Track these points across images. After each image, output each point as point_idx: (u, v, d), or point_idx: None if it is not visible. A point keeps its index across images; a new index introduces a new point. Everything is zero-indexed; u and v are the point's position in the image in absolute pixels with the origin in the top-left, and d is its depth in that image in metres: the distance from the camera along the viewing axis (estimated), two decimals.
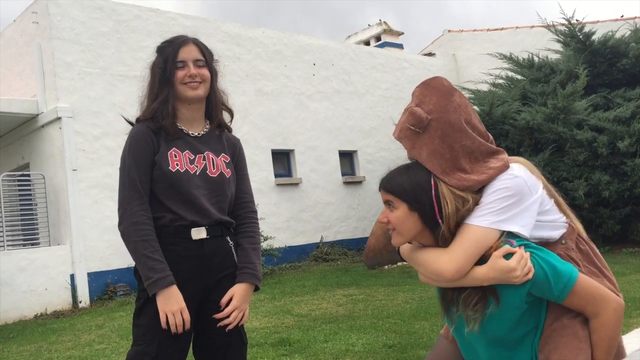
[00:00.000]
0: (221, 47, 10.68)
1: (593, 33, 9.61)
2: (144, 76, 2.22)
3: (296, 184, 11.39)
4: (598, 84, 9.37)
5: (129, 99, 9.30)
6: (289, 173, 11.59)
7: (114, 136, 9.02)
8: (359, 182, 12.60)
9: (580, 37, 9.59)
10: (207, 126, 2.24)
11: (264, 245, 9.21)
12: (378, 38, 17.09)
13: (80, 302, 8.16)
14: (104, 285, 8.52)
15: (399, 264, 8.93)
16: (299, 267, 10.10)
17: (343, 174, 12.37)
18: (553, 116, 8.74)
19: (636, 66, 9.23)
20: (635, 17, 12.13)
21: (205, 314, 2.05)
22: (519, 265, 1.65)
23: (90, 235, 8.56)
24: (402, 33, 17.65)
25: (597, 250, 1.92)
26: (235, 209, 2.19)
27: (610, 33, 9.60)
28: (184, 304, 1.96)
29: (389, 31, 17.16)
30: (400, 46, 16.86)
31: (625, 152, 8.32)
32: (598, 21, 12.76)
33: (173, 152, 2.10)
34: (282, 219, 10.94)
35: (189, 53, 2.13)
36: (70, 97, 8.70)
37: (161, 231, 2.03)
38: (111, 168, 8.90)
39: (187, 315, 1.95)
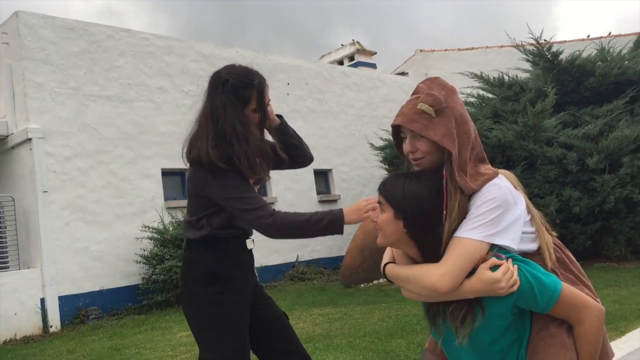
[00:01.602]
0: (195, 67, 10.68)
1: (561, 52, 9.83)
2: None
3: (271, 203, 11.34)
4: (566, 102, 9.56)
5: (102, 119, 9.22)
6: (264, 192, 11.55)
7: (86, 157, 8.91)
8: (334, 201, 12.61)
9: (549, 56, 9.80)
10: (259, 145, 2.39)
11: None
12: (351, 58, 17.26)
13: (51, 326, 7.97)
14: (75, 309, 8.34)
15: (375, 282, 8.93)
16: (275, 286, 10.03)
17: (318, 193, 12.37)
18: (524, 134, 8.88)
19: (603, 84, 9.45)
20: (601, 37, 12.47)
21: (254, 306, 2.38)
22: (505, 277, 1.66)
23: (61, 258, 8.39)
24: (375, 53, 17.85)
25: (573, 258, 1.94)
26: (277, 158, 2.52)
27: (577, 52, 9.83)
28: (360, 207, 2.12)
29: (362, 51, 17.34)
30: (373, 66, 17.05)
31: (595, 168, 8.48)
32: (565, 41, 13.07)
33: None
34: (257, 238, 10.81)
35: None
36: (41, 118, 8.59)
37: (229, 242, 2.30)
38: (83, 189, 8.78)
39: (373, 203, 2.06)
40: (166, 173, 9.99)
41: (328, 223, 2.09)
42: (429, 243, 1.79)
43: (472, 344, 1.79)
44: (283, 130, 2.49)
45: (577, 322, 1.75)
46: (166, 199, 9.84)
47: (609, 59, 9.67)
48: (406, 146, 1.83)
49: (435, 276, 1.70)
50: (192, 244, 2.35)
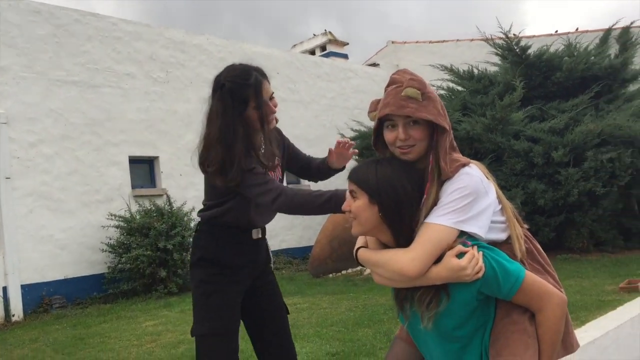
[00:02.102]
0: (164, 54, 10.53)
1: (529, 47, 9.96)
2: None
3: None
4: (534, 96, 9.71)
5: (68, 105, 9.03)
6: None
7: (51, 143, 8.73)
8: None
9: (517, 50, 9.93)
10: (262, 139, 2.41)
11: None
12: (323, 48, 17.22)
13: (13, 315, 7.80)
14: (38, 298, 8.19)
15: (344, 272, 8.97)
16: None
17: (288, 183, 12.33)
18: (492, 126, 9.00)
19: (569, 79, 9.61)
20: (568, 33, 12.66)
21: (254, 294, 2.45)
22: (470, 264, 1.68)
23: (24, 245, 8.23)
24: (347, 43, 17.84)
25: (540, 248, 1.98)
26: (310, 168, 2.76)
27: (545, 47, 9.97)
28: None
29: (334, 41, 17.32)
30: (345, 56, 17.04)
31: (560, 161, 8.63)
32: (534, 36, 13.24)
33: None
34: None
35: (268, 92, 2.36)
36: (4, 103, 8.37)
37: (233, 230, 2.38)
38: (47, 176, 8.60)
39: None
40: (134, 161, 9.86)
41: (329, 199, 2.13)
42: (404, 228, 1.80)
43: (436, 328, 1.81)
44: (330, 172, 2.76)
45: (538, 309, 1.79)
46: (134, 187, 9.71)
47: (575, 54, 9.85)
48: (399, 134, 1.82)
49: (405, 260, 1.72)
50: (200, 227, 2.47)
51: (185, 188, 10.33)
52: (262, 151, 2.38)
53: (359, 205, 1.83)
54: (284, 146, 2.60)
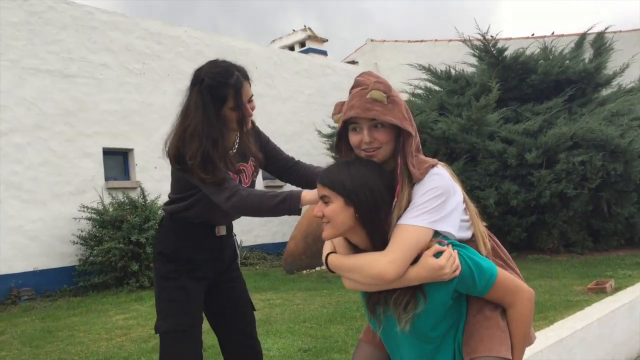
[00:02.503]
0: (141, 45, 10.41)
1: (506, 49, 10.07)
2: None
3: None
4: (509, 97, 9.82)
5: (41, 94, 8.87)
6: None
7: (23, 132, 8.57)
8: (280, 187, 12.56)
9: (494, 52, 10.03)
10: (237, 137, 2.37)
11: None
12: (302, 44, 17.18)
13: None
14: (6, 290, 8.04)
15: (318, 268, 8.98)
16: None
17: (264, 178, 12.30)
18: (467, 127, 9.08)
19: (544, 82, 9.75)
20: (544, 36, 12.85)
21: (218, 290, 2.45)
22: (448, 263, 1.70)
23: None
24: (327, 40, 17.82)
25: (500, 244, 2.03)
26: (285, 170, 2.62)
27: (521, 50, 10.09)
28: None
29: (314, 37, 17.29)
30: (324, 53, 17.02)
31: (533, 163, 8.75)
32: (511, 38, 13.40)
33: None
34: None
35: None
36: None
37: (196, 226, 2.35)
38: (18, 166, 8.45)
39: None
40: (107, 152, 9.73)
41: (283, 200, 2.09)
42: (380, 228, 1.80)
43: (413, 330, 1.82)
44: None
45: (510, 304, 1.83)
46: (107, 179, 9.58)
47: (551, 57, 9.98)
48: (364, 137, 1.82)
49: (383, 264, 1.72)
50: (163, 221, 2.46)
51: (160, 181, 10.22)
52: (233, 152, 2.36)
53: (333, 208, 1.80)
54: (261, 146, 2.55)
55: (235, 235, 2.54)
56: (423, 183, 1.79)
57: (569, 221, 8.99)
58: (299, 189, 2.19)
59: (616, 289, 5.94)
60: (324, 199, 1.83)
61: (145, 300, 7.26)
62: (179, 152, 2.22)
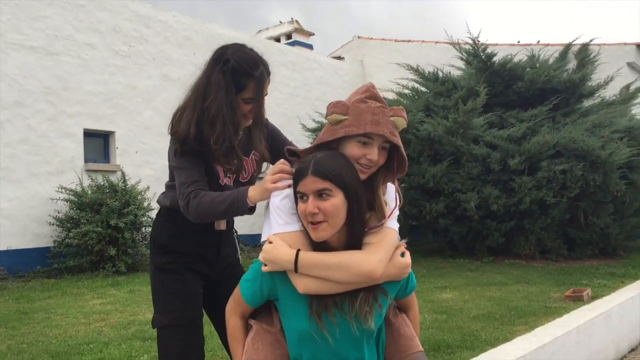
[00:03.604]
0: (128, 27, 10.24)
1: (495, 54, 10.15)
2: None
3: None
4: (495, 103, 9.90)
5: (23, 70, 8.68)
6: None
7: (2, 109, 8.37)
8: (260, 178, 12.49)
9: (483, 57, 10.10)
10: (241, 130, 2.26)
11: None
12: (289, 36, 17.08)
13: None
14: None
15: None
16: None
17: None
18: (453, 130, 9.14)
19: (529, 90, 9.86)
20: (530, 44, 12.98)
21: (220, 284, 2.31)
22: (409, 261, 1.83)
23: None
24: (313, 34, 17.76)
25: None
26: None
27: (509, 56, 10.18)
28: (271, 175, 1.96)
29: (300, 30, 17.20)
30: (310, 46, 16.96)
31: (515, 169, 8.85)
32: (497, 44, 13.50)
33: (214, 165, 2.17)
34: None
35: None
36: None
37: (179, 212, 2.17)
38: None
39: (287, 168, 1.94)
40: (89, 134, 9.56)
41: (231, 203, 2.00)
42: (361, 228, 1.78)
43: (363, 332, 1.80)
44: None
45: (412, 306, 2.04)
46: (86, 160, 9.42)
47: (537, 65, 10.09)
48: (373, 154, 1.81)
49: (373, 263, 1.73)
50: (160, 211, 2.37)
51: (140, 166, 10.10)
52: (235, 149, 2.24)
53: (335, 204, 1.70)
54: (266, 139, 2.42)
55: (235, 230, 2.44)
56: (388, 191, 1.93)
57: (547, 228, 9.12)
58: (245, 187, 2.06)
59: (592, 298, 6.04)
60: (322, 193, 1.70)
61: (122, 286, 7.17)
62: (200, 132, 2.10)
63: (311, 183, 1.70)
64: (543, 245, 9.33)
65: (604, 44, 12.57)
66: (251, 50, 2.20)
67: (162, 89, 10.73)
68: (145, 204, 8.71)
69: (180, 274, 2.22)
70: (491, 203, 8.86)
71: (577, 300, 5.94)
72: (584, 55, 10.83)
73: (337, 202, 1.70)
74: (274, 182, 1.89)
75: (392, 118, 1.81)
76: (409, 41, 15.65)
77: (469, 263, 9.04)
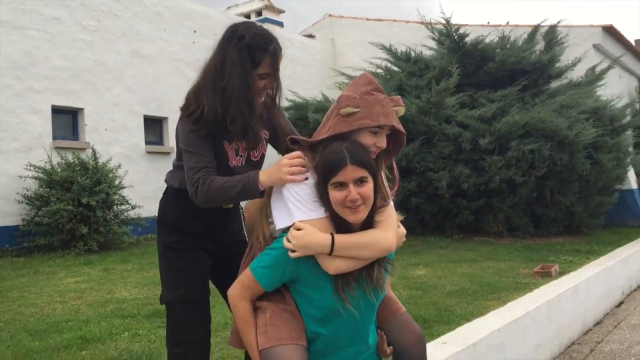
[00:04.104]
0: (97, 1, 10.03)
1: (467, 35, 10.24)
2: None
3: (167, 153, 11.00)
4: (466, 83, 10.01)
5: None
6: (160, 141, 11.18)
7: None
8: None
9: (456, 37, 10.18)
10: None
11: (132, 214, 8.84)
12: (259, 13, 16.91)
13: None
14: None
15: None
16: None
17: None
18: (426, 109, 9.23)
19: (500, 71, 9.99)
20: (500, 25, 13.10)
21: (227, 262, 2.35)
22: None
23: None
24: (283, 11, 17.62)
25: None
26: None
27: (481, 37, 10.28)
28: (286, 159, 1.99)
29: (271, 7, 17.05)
30: (280, 24, 16.81)
31: (485, 148, 9.01)
32: (468, 24, 13.60)
33: (225, 146, 2.18)
34: (150, 189, 10.50)
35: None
36: None
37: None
38: None
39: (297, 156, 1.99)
40: (57, 110, 9.37)
41: (242, 188, 2.04)
42: (375, 207, 2.00)
43: (378, 298, 1.99)
44: None
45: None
46: (55, 137, 9.24)
47: (507, 47, 10.22)
48: (382, 142, 1.99)
49: (391, 238, 1.93)
50: (167, 190, 2.37)
51: (110, 144, 9.95)
52: (253, 126, 2.25)
53: (371, 188, 1.89)
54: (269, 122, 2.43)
55: (241, 207, 2.46)
56: None
57: (515, 207, 9.33)
58: (254, 171, 2.09)
59: (560, 274, 6.25)
60: (360, 180, 1.87)
61: (95, 264, 7.11)
62: (223, 114, 2.12)
63: (351, 172, 1.85)
64: (511, 223, 9.56)
65: (572, 26, 12.76)
66: (261, 26, 2.21)
67: (131, 65, 10.55)
68: (117, 182, 8.61)
69: (188, 252, 2.25)
70: (462, 182, 9.02)
71: (546, 276, 6.13)
72: (552, 36, 11.01)
73: (371, 186, 1.89)
74: (291, 174, 1.94)
75: (395, 108, 1.99)
76: (380, 20, 15.65)
77: (439, 240, 9.22)
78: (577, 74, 11.12)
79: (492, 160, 8.96)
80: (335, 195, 1.87)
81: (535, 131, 8.98)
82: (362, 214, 1.89)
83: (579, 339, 5.40)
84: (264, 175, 2.02)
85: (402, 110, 2.01)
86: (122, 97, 10.29)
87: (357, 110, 1.92)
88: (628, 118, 11.36)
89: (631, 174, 12.27)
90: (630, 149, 11.39)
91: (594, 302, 6.05)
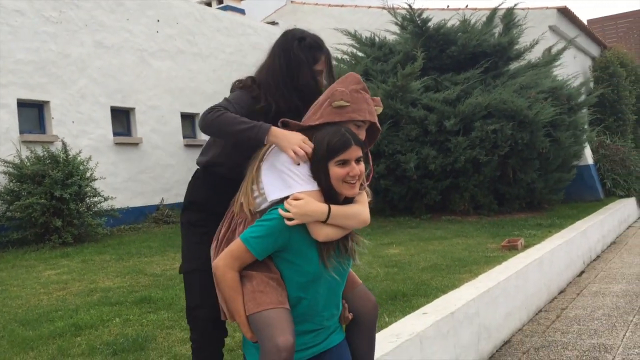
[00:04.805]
0: None
1: (430, 19, 10.48)
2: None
3: (136, 144, 10.99)
4: (430, 67, 10.27)
5: None
6: (128, 132, 11.14)
7: None
8: (200, 145, 12.43)
9: (419, 22, 10.40)
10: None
11: (105, 205, 8.85)
12: (220, 0, 16.83)
13: None
14: None
15: None
16: (139, 228, 9.86)
17: (184, 137, 12.18)
18: (392, 93, 9.46)
19: (462, 54, 10.28)
20: (459, 9, 13.40)
21: None
22: None
23: None
24: None
25: None
26: None
27: (443, 21, 10.54)
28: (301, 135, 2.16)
29: None
30: (242, 11, 16.76)
31: (451, 130, 9.30)
32: (428, 8, 13.86)
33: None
34: (120, 180, 10.53)
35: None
36: None
37: (227, 181, 2.36)
38: None
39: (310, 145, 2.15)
40: (22, 104, 9.26)
41: (251, 128, 2.16)
42: None
43: (348, 267, 2.29)
44: None
45: None
46: (22, 131, 9.13)
47: (469, 30, 10.50)
48: (363, 135, 2.27)
49: (367, 212, 2.22)
50: (196, 173, 2.56)
51: (77, 136, 9.89)
52: None
53: (363, 166, 2.16)
54: None
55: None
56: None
57: (479, 185, 9.68)
58: (268, 124, 2.20)
59: (525, 247, 6.58)
60: (360, 158, 2.14)
61: (73, 256, 7.14)
62: (303, 107, 2.33)
63: (354, 151, 2.12)
64: (476, 202, 9.91)
65: (528, 8, 13.14)
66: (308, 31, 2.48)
67: (96, 56, 10.46)
68: (88, 174, 8.60)
69: (209, 228, 2.41)
70: (429, 163, 9.30)
71: (512, 249, 6.45)
72: (509, 19, 11.33)
73: (363, 166, 2.18)
74: (295, 153, 2.11)
75: (375, 107, 2.30)
76: (342, 6, 15.79)
77: (409, 221, 9.51)
78: (535, 55, 11.50)
79: (457, 141, 9.27)
80: (337, 171, 2.11)
81: (498, 112, 9.32)
82: (357, 189, 2.15)
83: (545, 307, 5.74)
84: (275, 133, 2.16)
85: (380, 110, 2.33)
86: (87, 89, 10.21)
87: (348, 104, 2.18)
88: (583, 97, 11.83)
89: (587, 151, 12.77)
90: (586, 126, 11.87)
91: (557, 272, 6.40)
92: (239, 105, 2.28)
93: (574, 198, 12.03)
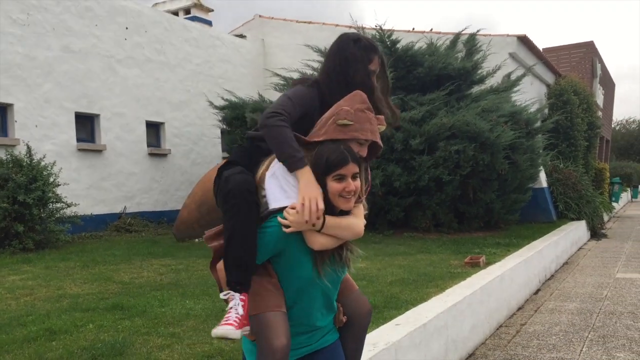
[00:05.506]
0: None
1: (399, 41, 10.76)
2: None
3: (99, 151, 10.87)
4: (397, 87, 10.51)
5: None
6: (92, 139, 11.01)
7: None
8: (164, 155, 12.43)
9: (388, 43, 10.67)
10: None
11: (68, 211, 8.72)
12: (187, 11, 16.80)
13: None
14: None
15: None
16: (101, 236, 9.73)
17: (149, 145, 12.10)
18: None
19: (428, 75, 10.58)
20: (424, 32, 13.79)
21: None
22: None
23: None
24: (212, 10, 17.60)
25: None
26: None
27: (411, 44, 10.84)
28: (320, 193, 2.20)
29: (199, 6, 16.97)
30: (209, 23, 16.80)
31: (416, 149, 9.54)
32: (394, 30, 14.21)
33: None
34: (82, 186, 10.39)
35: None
36: None
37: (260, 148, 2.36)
38: None
39: (322, 206, 2.19)
40: None
41: (291, 155, 2.22)
42: None
43: (342, 274, 2.36)
44: None
45: None
46: None
47: (435, 53, 10.83)
48: (364, 153, 2.30)
49: (362, 225, 2.31)
50: (245, 143, 2.59)
51: (40, 140, 9.75)
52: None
53: (359, 183, 2.25)
54: None
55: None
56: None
57: (441, 204, 9.94)
58: (306, 163, 2.26)
59: (487, 264, 6.81)
60: (355, 176, 2.22)
61: (35, 262, 7.02)
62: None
63: (352, 168, 2.20)
64: (437, 219, 10.17)
65: (490, 35, 13.63)
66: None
67: (62, 61, 10.35)
68: (52, 180, 8.47)
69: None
70: (394, 180, 9.51)
71: (475, 266, 6.67)
72: (472, 44, 11.75)
73: (359, 182, 2.25)
74: (309, 214, 2.18)
75: (379, 126, 2.36)
76: (310, 23, 16.00)
77: (372, 236, 9.66)
78: (496, 80, 11.92)
79: (421, 160, 9.51)
80: (334, 186, 2.21)
81: (461, 133, 9.61)
82: (352, 203, 2.25)
83: (506, 322, 5.96)
84: (304, 174, 2.23)
85: (382, 128, 2.40)
86: (52, 93, 10.08)
87: (352, 123, 2.28)
88: (539, 122, 12.29)
89: (542, 174, 13.25)
90: (541, 150, 12.33)
91: (517, 289, 6.65)
92: (299, 101, 2.36)
93: (528, 219, 12.43)
